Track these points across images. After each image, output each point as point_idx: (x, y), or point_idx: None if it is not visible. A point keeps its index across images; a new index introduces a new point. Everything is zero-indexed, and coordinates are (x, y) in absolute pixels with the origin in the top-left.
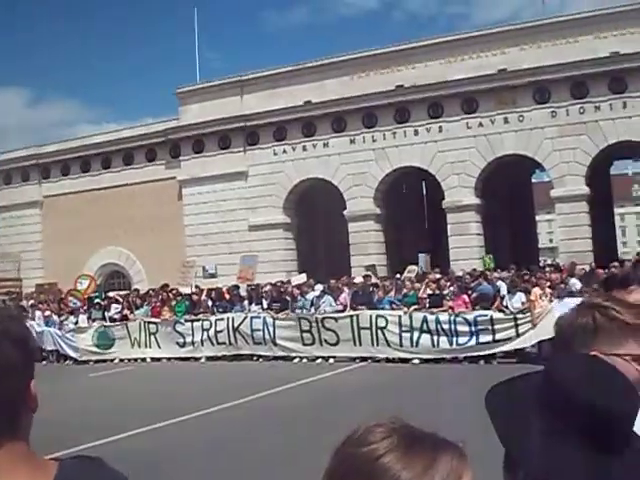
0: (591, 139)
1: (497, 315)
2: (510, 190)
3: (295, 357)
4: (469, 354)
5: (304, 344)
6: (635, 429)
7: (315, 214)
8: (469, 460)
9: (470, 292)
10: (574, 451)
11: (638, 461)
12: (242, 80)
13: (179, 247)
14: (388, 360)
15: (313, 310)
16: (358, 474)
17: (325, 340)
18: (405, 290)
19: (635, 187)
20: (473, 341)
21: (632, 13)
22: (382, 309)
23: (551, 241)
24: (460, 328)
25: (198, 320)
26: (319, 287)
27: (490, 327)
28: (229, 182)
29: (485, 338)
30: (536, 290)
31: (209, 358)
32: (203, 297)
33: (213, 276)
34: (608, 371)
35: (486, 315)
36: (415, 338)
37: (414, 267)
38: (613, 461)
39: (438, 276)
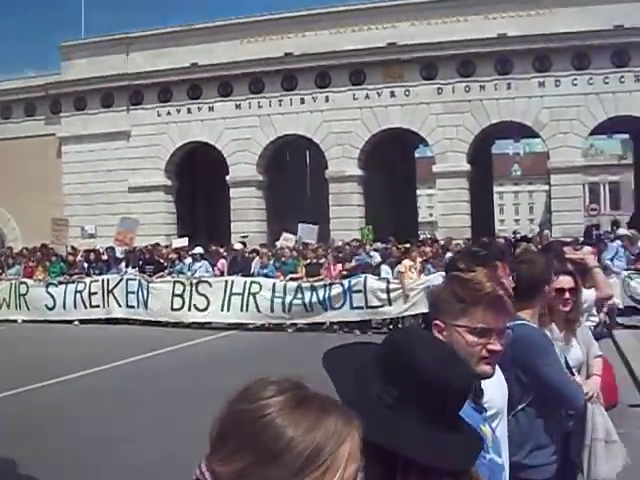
0: (474, 117)
1: (370, 277)
2: (393, 163)
3: (167, 322)
4: (343, 319)
5: (173, 309)
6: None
7: (197, 178)
8: (356, 425)
9: (347, 262)
10: (413, 422)
11: (469, 437)
12: (129, 37)
13: (57, 206)
14: (263, 327)
15: (190, 274)
16: (244, 429)
17: (194, 305)
18: (284, 258)
19: (515, 167)
20: (347, 306)
21: None
22: (266, 276)
23: (431, 215)
24: (334, 292)
25: (72, 282)
26: (198, 250)
27: (363, 289)
28: (111, 141)
29: (358, 302)
30: (406, 262)
31: (82, 321)
32: (79, 258)
33: (92, 237)
34: (452, 351)
35: (360, 277)
36: (287, 303)
37: (290, 235)
38: (448, 435)
39: (316, 245)
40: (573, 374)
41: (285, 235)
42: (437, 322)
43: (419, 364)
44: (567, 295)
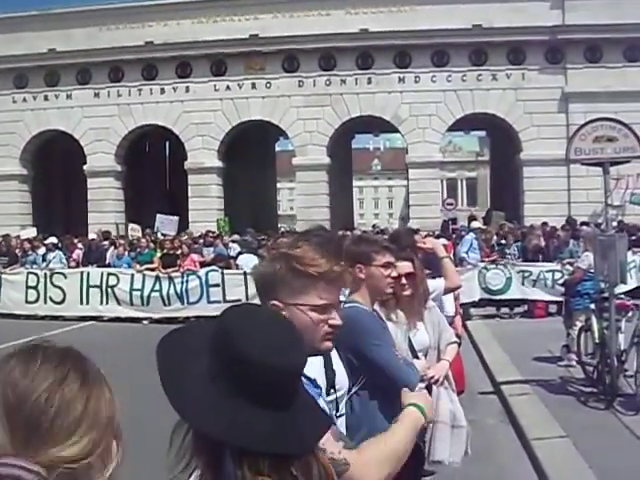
0: (335, 111)
1: (227, 271)
2: (254, 155)
3: (20, 315)
4: (201, 314)
5: (27, 302)
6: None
7: (54, 167)
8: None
9: (204, 253)
10: (241, 405)
11: (306, 416)
12: None
13: None
14: (120, 319)
15: (44, 265)
16: (69, 407)
17: (50, 298)
18: (139, 249)
19: (375, 162)
20: (204, 300)
21: None
22: (120, 267)
23: (292, 209)
24: (191, 285)
25: None
26: (52, 240)
27: (221, 283)
28: None
29: (216, 297)
30: None
31: None
32: None
33: None
34: (277, 326)
35: (217, 270)
36: (145, 296)
37: (136, 225)
38: (279, 416)
39: (173, 233)
40: (417, 357)
41: (132, 225)
42: (275, 303)
43: (240, 343)
44: (404, 280)
